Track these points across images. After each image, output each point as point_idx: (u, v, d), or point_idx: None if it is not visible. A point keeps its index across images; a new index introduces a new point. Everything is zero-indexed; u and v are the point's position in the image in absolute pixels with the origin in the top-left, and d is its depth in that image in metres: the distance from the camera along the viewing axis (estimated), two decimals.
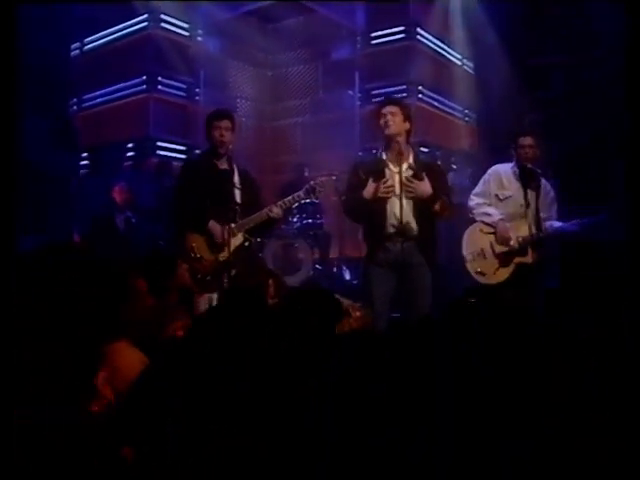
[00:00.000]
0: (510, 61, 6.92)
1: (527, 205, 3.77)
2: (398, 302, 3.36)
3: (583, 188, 5.73)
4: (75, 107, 7.43)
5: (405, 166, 3.27)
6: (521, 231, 3.76)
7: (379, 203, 3.26)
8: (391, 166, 3.31)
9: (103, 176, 6.38)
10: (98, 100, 7.30)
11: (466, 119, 7.90)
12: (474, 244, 3.85)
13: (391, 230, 3.26)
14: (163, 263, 2.55)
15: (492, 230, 3.82)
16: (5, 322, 1.14)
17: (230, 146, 3.50)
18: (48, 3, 5.94)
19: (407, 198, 3.21)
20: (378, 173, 3.29)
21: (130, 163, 6.81)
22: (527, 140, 3.81)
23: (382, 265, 3.28)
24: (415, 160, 3.32)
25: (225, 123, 3.50)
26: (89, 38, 7.38)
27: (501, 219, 3.80)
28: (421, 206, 3.25)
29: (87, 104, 7.40)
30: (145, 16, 6.98)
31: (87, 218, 5.70)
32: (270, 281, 3.10)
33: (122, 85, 7.08)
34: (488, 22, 7.00)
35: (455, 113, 7.82)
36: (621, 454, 1.54)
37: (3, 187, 2.24)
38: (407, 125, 3.32)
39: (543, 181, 3.87)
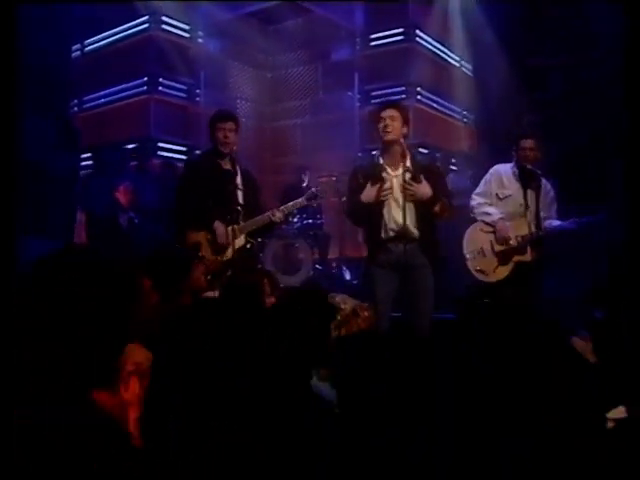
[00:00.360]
0: (509, 62, 6.93)
1: (526, 205, 3.82)
2: (400, 303, 3.37)
3: (582, 188, 5.74)
4: (76, 108, 7.44)
5: (403, 169, 3.28)
6: (520, 230, 3.80)
7: (378, 206, 3.28)
8: (389, 170, 3.34)
9: (104, 177, 6.38)
10: (99, 101, 7.32)
11: (464, 120, 7.91)
12: (474, 243, 3.91)
13: (391, 234, 3.29)
14: (178, 264, 2.54)
15: (492, 229, 3.87)
16: (5, 322, 1.14)
17: (234, 147, 3.54)
18: (48, 3, 5.94)
19: (407, 201, 3.23)
20: (376, 177, 3.31)
21: (132, 164, 6.82)
22: (528, 142, 3.86)
23: (384, 266, 3.30)
24: (412, 162, 3.33)
25: (229, 125, 3.53)
26: (90, 39, 7.40)
27: (501, 218, 3.84)
28: (421, 208, 3.26)
29: (88, 105, 7.42)
30: (146, 17, 7.00)
31: (90, 218, 5.71)
32: (265, 280, 3.12)
33: (123, 86, 7.10)
34: (487, 23, 7.01)
35: (454, 114, 7.84)
36: (620, 452, 1.54)
37: (3, 187, 2.24)
38: (405, 129, 3.34)
39: (543, 181, 3.90)
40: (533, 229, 3.78)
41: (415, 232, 3.27)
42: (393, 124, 3.28)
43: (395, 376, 1.50)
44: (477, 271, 3.85)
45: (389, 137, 3.29)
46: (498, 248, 3.83)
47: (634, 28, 3.21)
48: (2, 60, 2.29)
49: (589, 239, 4.19)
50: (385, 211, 3.28)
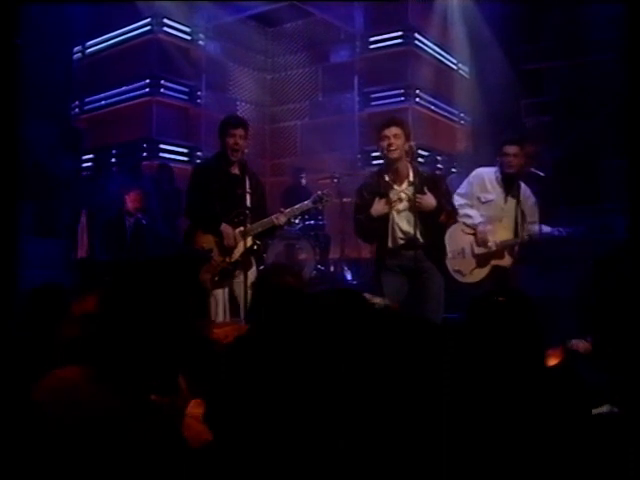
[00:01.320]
0: (507, 64, 6.97)
1: (507, 210, 3.85)
2: (409, 307, 3.41)
3: (580, 189, 5.76)
4: (78, 110, 7.47)
5: (407, 183, 3.38)
6: (500, 235, 3.85)
7: (385, 220, 3.37)
8: (394, 185, 3.42)
9: (106, 178, 6.41)
10: (101, 103, 7.34)
11: (462, 122, 7.96)
12: (455, 243, 3.92)
13: (400, 242, 3.38)
14: (196, 261, 2.59)
15: (472, 231, 3.90)
16: (6, 320, 1.18)
17: (246, 150, 3.60)
18: (49, 4, 5.96)
19: (413, 213, 3.30)
20: (381, 192, 3.39)
21: (133, 165, 6.84)
22: (512, 149, 3.84)
23: (394, 270, 3.39)
24: (416, 176, 3.40)
25: (240, 131, 3.58)
26: (92, 41, 7.43)
27: (481, 222, 3.88)
28: (426, 219, 3.34)
29: (90, 107, 7.45)
30: (148, 20, 7.03)
31: (95, 219, 5.73)
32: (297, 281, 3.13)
33: (125, 88, 7.13)
34: (485, 26, 7.05)
35: (452, 117, 7.90)
36: (620, 454, 1.55)
37: (7, 189, 2.27)
38: (407, 145, 3.39)
39: (523, 187, 3.92)
40: (512, 234, 3.83)
41: (422, 240, 3.35)
42: (397, 142, 3.34)
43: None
44: (455, 271, 3.87)
45: (394, 155, 3.35)
46: (477, 251, 3.87)
47: (634, 28, 3.23)
48: (3, 61, 2.31)
49: (577, 245, 4.21)
50: (391, 224, 3.37)
